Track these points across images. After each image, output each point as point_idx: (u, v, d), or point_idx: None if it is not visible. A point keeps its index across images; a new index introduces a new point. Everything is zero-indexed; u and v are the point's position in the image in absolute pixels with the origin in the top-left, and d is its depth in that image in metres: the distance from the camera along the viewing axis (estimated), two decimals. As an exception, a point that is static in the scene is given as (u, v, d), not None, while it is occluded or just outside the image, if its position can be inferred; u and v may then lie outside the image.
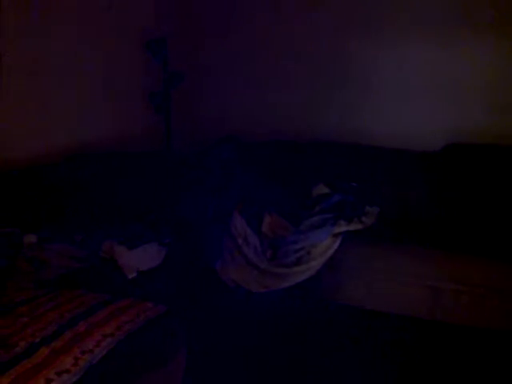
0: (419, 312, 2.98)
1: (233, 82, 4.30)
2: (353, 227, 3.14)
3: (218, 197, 3.34)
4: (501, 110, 3.55)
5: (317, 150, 3.83)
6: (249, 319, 2.89)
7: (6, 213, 2.76)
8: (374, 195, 3.40)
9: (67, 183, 3.20)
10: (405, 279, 3.03)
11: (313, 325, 2.95)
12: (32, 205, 2.90)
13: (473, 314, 2.89)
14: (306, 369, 2.69)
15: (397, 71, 3.84)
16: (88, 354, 1.94)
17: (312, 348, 2.82)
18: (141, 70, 4.18)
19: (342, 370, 2.67)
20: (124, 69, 4.00)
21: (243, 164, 3.66)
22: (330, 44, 3.99)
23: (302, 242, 3.07)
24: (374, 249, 3.16)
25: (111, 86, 3.88)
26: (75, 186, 3.21)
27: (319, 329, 2.93)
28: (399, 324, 2.93)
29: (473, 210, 3.32)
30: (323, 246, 3.08)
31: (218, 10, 4.27)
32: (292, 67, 4.12)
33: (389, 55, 3.85)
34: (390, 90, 3.86)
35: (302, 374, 2.65)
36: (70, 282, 2.63)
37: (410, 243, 3.12)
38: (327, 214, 3.20)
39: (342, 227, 3.12)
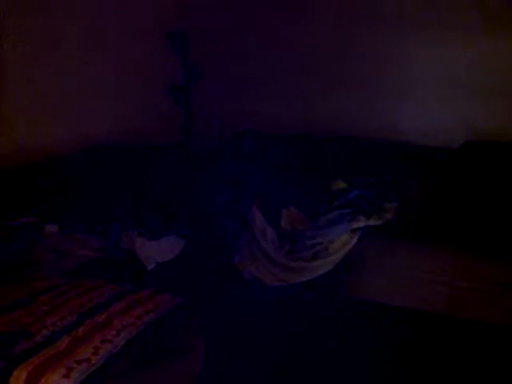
0: (437, 308, 2.97)
1: (252, 75, 4.30)
2: (371, 222, 3.13)
3: (237, 190, 3.35)
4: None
5: (335, 144, 3.82)
6: (265, 312, 2.90)
7: (27, 203, 2.79)
8: (392, 190, 3.38)
9: (88, 174, 3.23)
10: (423, 275, 3.02)
11: (329, 319, 2.95)
12: (53, 195, 2.94)
13: (490, 311, 2.88)
14: (323, 363, 2.70)
15: (418, 68, 3.81)
16: (108, 343, 1.97)
17: (328, 342, 2.82)
18: (162, 63, 4.18)
19: (360, 364, 2.68)
20: (145, 62, 4.02)
21: (261, 158, 3.66)
22: (350, 37, 3.96)
23: (319, 237, 3.07)
24: (392, 244, 3.15)
25: (132, 79, 3.90)
26: (96, 178, 3.24)
27: (335, 323, 2.92)
28: (417, 319, 2.93)
29: (492, 208, 3.29)
30: (341, 241, 3.07)
31: (237, 3, 4.26)
32: (311, 61, 4.10)
33: (412, 52, 3.82)
34: (410, 86, 3.84)
35: (318, 368, 2.65)
36: (90, 272, 2.66)
37: (428, 240, 3.11)
38: (345, 209, 3.19)
39: (361, 222, 3.11)
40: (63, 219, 2.84)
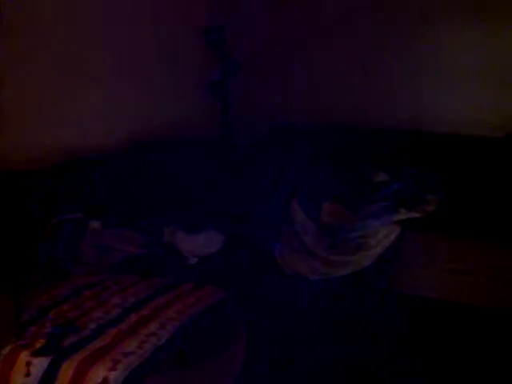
0: (479, 301, 2.91)
1: (289, 69, 4.29)
2: (413, 215, 3.09)
3: (276, 184, 3.34)
4: None
5: (375, 136, 3.77)
6: (306, 307, 2.89)
7: (72, 200, 2.85)
8: (434, 182, 3.32)
9: (131, 170, 3.27)
10: (464, 268, 2.97)
11: (370, 313, 2.92)
12: (97, 192, 2.98)
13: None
14: (365, 357, 2.68)
15: (458, 57, 3.73)
16: (152, 336, 2.00)
17: (369, 336, 2.80)
18: (200, 58, 4.20)
19: (401, 358, 2.65)
20: (184, 57, 4.04)
21: (300, 151, 3.64)
22: (385, 28, 3.91)
23: (360, 230, 3.04)
24: (434, 237, 3.10)
25: (171, 75, 3.92)
26: (138, 173, 3.28)
27: (377, 317, 2.90)
28: (459, 312, 2.88)
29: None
30: (382, 234, 3.04)
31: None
32: (347, 53, 4.07)
33: (447, 39, 3.75)
34: (450, 76, 3.76)
35: (360, 362, 2.64)
36: (132, 267, 2.70)
37: (469, 233, 3.05)
38: (387, 202, 3.15)
39: (402, 215, 3.07)
40: (106, 215, 2.89)
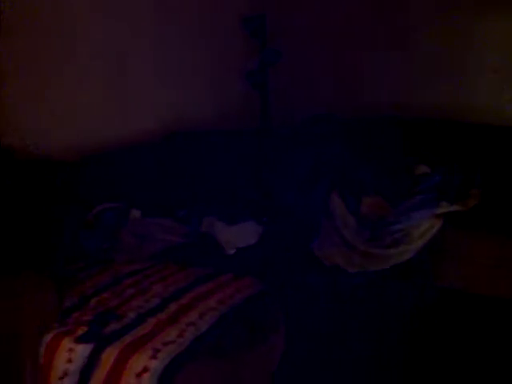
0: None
1: (330, 58, 4.24)
2: (455, 208, 3.03)
3: (315, 176, 3.31)
4: None
5: (417, 127, 3.69)
6: (345, 300, 2.86)
7: (113, 189, 2.88)
8: (476, 176, 3.25)
9: (171, 160, 3.29)
10: (505, 263, 2.90)
11: (409, 307, 2.88)
12: (138, 181, 3.01)
13: None
14: (402, 349, 2.64)
15: (497, 46, 3.64)
16: (192, 326, 2.00)
17: (408, 330, 2.76)
18: (238, 47, 4.19)
19: (442, 352, 2.61)
20: (221, 46, 4.03)
21: (339, 142, 3.60)
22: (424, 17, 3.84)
23: (401, 224, 3.00)
24: (475, 231, 3.03)
25: (209, 63, 3.93)
26: (177, 163, 3.30)
27: (416, 311, 2.85)
28: (500, 308, 2.82)
29: None
30: (423, 227, 2.99)
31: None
32: (388, 41, 4.00)
33: (485, 28, 3.66)
34: (487, 65, 3.67)
35: (398, 355, 2.60)
36: (171, 257, 2.71)
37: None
38: (428, 195, 3.10)
39: (444, 208, 3.01)
40: (146, 205, 2.91)
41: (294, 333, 2.34)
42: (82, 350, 1.89)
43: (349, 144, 3.55)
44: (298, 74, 4.36)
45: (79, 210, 2.67)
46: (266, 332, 2.15)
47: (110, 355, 1.86)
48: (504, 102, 3.64)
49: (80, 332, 1.95)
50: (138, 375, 1.79)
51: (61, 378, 1.91)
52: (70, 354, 1.91)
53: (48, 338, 1.97)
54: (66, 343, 1.93)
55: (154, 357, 1.82)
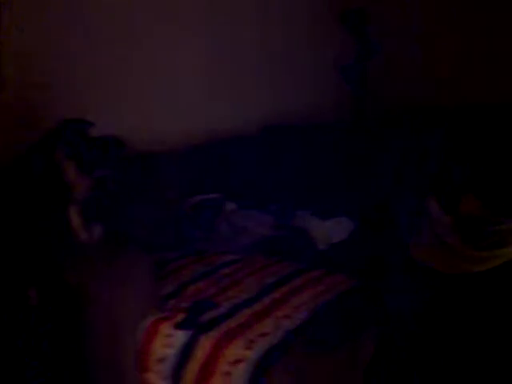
0: None
1: (425, 53, 4.12)
2: None
3: (412, 172, 3.23)
4: None
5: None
6: (441, 302, 2.78)
7: (210, 181, 2.95)
8: None
9: (262, 154, 3.32)
10: None
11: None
12: (233, 173, 3.06)
13: None
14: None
15: None
16: (286, 319, 2.02)
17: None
18: (334, 41, 4.15)
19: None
20: (317, 39, 4.00)
21: (440, 134, 3.48)
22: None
23: (501, 224, 2.87)
24: None
25: (303, 57, 3.92)
26: (269, 157, 3.32)
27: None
28: None
29: None
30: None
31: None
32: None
33: None
34: None
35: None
36: (264, 249, 2.73)
37: None
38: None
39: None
40: (241, 197, 2.96)
41: (386, 332, 2.31)
42: (181, 336, 1.96)
43: (446, 138, 3.43)
44: (393, 68, 4.26)
45: (178, 200, 2.76)
46: (357, 330, 2.14)
47: (206, 343, 1.91)
48: None
49: (178, 319, 2.02)
50: (234, 364, 1.83)
51: (159, 362, 1.99)
52: (168, 340, 1.98)
53: (147, 322, 2.05)
54: (165, 329, 2.01)
55: (249, 347, 1.86)
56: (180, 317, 2.03)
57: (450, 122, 3.59)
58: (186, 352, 1.94)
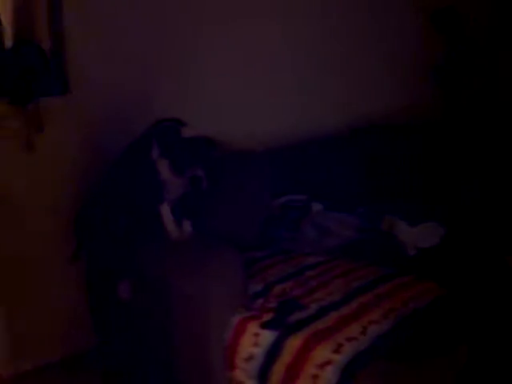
0: None
1: None
2: None
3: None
4: None
5: None
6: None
7: (297, 182, 2.95)
8: None
9: (349, 156, 3.29)
10: None
11: None
12: (319, 174, 3.06)
13: None
14: None
15: None
16: (375, 324, 1.99)
17: None
18: (425, 41, 4.05)
19: None
20: (407, 40, 3.92)
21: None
22: None
23: None
24: None
25: (393, 58, 3.86)
26: (357, 159, 3.28)
27: None
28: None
29: None
30: None
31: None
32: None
33: None
34: None
35: None
36: (350, 252, 2.70)
37: None
38: None
39: None
40: (328, 198, 2.94)
41: (478, 345, 2.22)
42: (268, 336, 1.97)
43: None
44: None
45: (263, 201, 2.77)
46: (446, 343, 2.06)
47: (293, 344, 1.92)
48: None
49: (266, 318, 2.04)
50: (321, 367, 1.82)
51: (246, 360, 2.01)
52: (255, 339, 2.00)
53: (235, 321, 2.08)
54: (252, 327, 2.03)
55: (337, 351, 1.84)
56: (267, 316, 2.04)
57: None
58: (273, 352, 1.95)
